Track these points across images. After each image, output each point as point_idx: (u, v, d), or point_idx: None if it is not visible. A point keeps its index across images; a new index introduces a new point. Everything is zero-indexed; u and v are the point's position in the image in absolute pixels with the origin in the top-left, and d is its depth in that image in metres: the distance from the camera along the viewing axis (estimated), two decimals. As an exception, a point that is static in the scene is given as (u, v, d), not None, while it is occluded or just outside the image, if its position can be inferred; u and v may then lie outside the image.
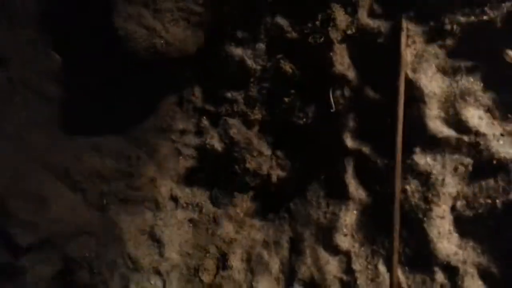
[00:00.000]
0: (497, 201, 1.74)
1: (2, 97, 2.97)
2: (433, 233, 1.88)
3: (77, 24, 2.99)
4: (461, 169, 1.84)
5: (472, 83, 1.83)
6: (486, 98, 1.81)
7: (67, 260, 2.95)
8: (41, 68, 3.03)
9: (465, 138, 1.83)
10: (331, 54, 2.18)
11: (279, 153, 2.72)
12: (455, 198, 1.87)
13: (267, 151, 2.71)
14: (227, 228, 2.75)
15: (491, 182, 1.77)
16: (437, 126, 1.88)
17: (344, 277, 2.16)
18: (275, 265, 2.47)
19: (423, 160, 1.92)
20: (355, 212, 2.19)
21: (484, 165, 1.79)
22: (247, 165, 2.67)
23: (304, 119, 2.55)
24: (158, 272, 2.82)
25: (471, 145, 1.82)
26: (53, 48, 3.05)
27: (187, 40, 2.55)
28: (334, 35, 2.16)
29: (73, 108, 3.05)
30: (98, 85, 3.05)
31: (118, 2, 2.50)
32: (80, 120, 3.05)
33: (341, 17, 2.14)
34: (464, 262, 1.81)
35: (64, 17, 3.00)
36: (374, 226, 2.12)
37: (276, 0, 2.48)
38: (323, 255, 2.26)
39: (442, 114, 1.89)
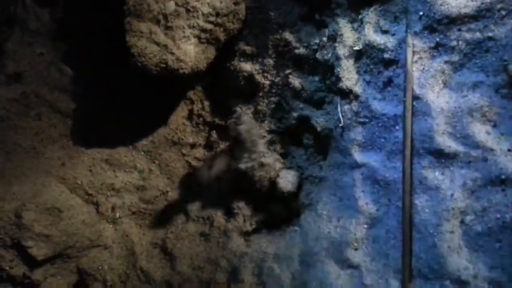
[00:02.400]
0: (506, 215, 1.74)
1: (18, 111, 3.03)
2: (443, 247, 1.87)
3: (89, 38, 3.07)
4: (470, 183, 1.83)
5: (478, 98, 1.82)
6: (493, 114, 1.81)
7: (81, 272, 2.98)
8: (54, 82, 3.10)
9: (473, 153, 1.82)
10: (338, 69, 2.20)
11: (287, 165, 2.74)
12: (465, 213, 1.85)
13: (275, 162, 2.71)
14: (238, 242, 2.76)
15: (500, 196, 1.76)
16: (445, 141, 1.88)
17: (356, 292, 2.15)
18: (286, 279, 2.45)
19: (432, 174, 1.92)
20: (365, 226, 2.19)
21: (492, 180, 1.78)
22: (255, 176, 2.66)
23: (313, 133, 2.57)
24: (170, 285, 2.82)
25: (479, 160, 1.81)
26: (65, 63, 3.12)
27: (198, 56, 2.59)
28: (342, 51, 2.18)
29: (85, 122, 3.12)
30: (109, 99, 3.12)
31: (132, 19, 2.55)
32: (92, 134, 3.12)
33: (348, 34, 2.17)
34: (475, 276, 1.79)
35: (76, 32, 3.09)
36: (384, 240, 2.11)
37: (284, 17, 2.52)
38: (335, 269, 2.25)
39: (450, 129, 1.89)
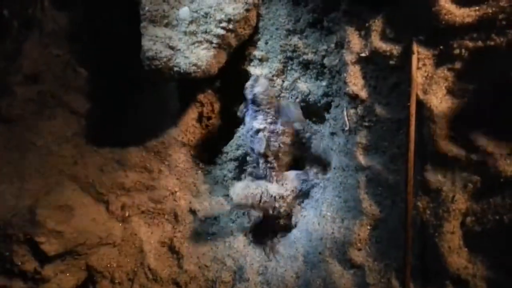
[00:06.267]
0: (505, 217, 1.77)
1: (34, 111, 3.06)
2: (444, 247, 1.91)
3: (104, 41, 3.12)
4: (470, 186, 1.87)
5: (479, 104, 1.85)
6: (493, 119, 1.83)
7: (90, 269, 3.02)
8: (70, 83, 3.12)
9: (474, 156, 1.85)
10: (345, 75, 2.23)
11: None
12: (465, 214, 1.89)
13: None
14: (244, 241, 2.81)
15: (499, 199, 1.80)
16: (447, 145, 1.91)
17: (358, 291, 2.18)
18: (290, 278, 2.48)
19: (433, 177, 1.95)
20: (368, 227, 2.22)
21: (492, 183, 1.82)
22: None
23: (319, 136, 2.61)
24: (176, 284, 2.86)
25: (479, 163, 1.84)
26: (80, 64, 3.15)
27: (210, 61, 2.62)
28: (349, 57, 2.20)
29: (98, 122, 3.15)
30: (121, 100, 3.16)
31: (147, 24, 2.60)
32: (105, 133, 3.14)
33: (355, 40, 2.19)
34: (474, 275, 1.83)
35: (92, 34, 3.13)
36: (387, 241, 2.15)
37: (293, 24, 2.57)
38: (338, 268, 2.28)
39: (452, 134, 1.91)
